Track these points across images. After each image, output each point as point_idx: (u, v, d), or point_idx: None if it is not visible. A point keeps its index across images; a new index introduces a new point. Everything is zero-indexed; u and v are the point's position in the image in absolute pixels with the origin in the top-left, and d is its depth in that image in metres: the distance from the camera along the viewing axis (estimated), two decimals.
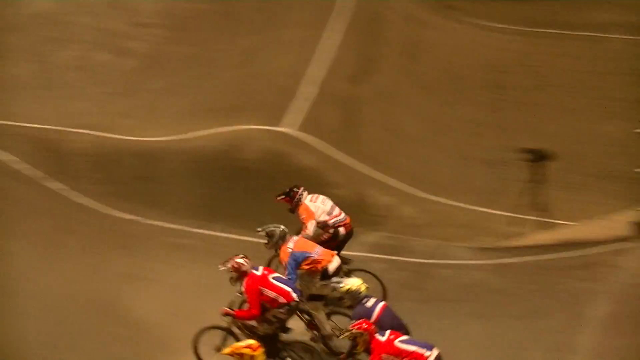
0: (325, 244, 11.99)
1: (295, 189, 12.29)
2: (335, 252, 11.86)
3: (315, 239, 11.97)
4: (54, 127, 15.03)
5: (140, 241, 13.07)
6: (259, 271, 11.16)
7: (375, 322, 10.44)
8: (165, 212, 13.65)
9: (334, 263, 11.74)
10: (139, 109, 15.89)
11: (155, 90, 16.33)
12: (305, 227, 12.04)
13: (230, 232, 13.38)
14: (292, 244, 11.71)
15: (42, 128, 15.02)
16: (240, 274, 11.07)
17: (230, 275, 10.87)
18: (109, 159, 14.40)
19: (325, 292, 11.70)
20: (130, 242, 12.96)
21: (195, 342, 10.51)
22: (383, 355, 10.09)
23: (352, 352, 10.32)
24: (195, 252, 13.01)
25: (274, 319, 11.14)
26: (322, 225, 12.15)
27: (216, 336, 10.57)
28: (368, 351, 10.06)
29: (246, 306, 10.94)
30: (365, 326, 10.07)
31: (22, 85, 16.29)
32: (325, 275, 11.76)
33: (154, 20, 17.66)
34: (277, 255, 11.69)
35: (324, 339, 11.57)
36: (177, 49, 17.10)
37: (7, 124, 14.57)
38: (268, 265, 11.61)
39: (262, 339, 10.98)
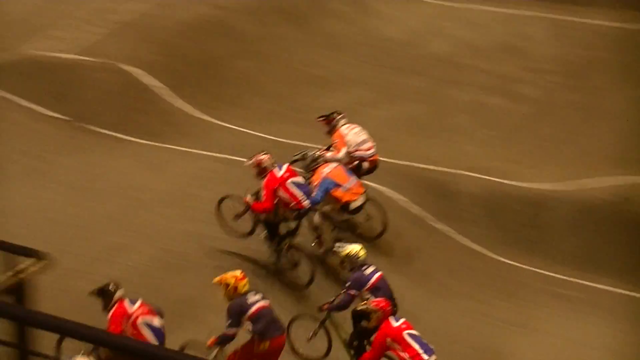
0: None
1: (334, 114, 13.36)
2: (363, 190, 12.62)
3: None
4: (444, 169, 15.51)
5: (522, 288, 13.47)
6: (281, 171, 12.26)
7: (370, 289, 11.11)
8: (548, 261, 13.91)
9: (358, 201, 12.55)
10: (528, 154, 16.06)
11: (545, 137, 16.43)
12: (337, 151, 12.96)
13: (615, 287, 13.38)
14: (328, 169, 12.55)
15: (431, 169, 15.55)
16: (261, 170, 12.22)
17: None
18: (497, 204, 14.66)
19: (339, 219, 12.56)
20: (512, 288, 13.39)
21: None
22: (388, 339, 10.46)
23: (358, 322, 10.84)
24: (576, 304, 13.19)
25: (280, 216, 12.26)
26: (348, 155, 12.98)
27: None
28: (376, 329, 10.51)
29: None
30: (383, 305, 10.64)
31: (417, 125, 17.02)
32: (345, 208, 12.58)
33: (549, 66, 17.78)
34: (310, 176, 12.62)
35: (324, 253, 12.52)
36: (570, 96, 17.09)
37: (396, 163, 15.16)
38: None
39: (267, 224, 12.33)
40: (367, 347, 10.87)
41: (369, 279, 11.28)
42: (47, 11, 18.30)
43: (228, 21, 18.38)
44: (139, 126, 15.47)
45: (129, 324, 10.59)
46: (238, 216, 12.47)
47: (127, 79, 15.98)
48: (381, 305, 10.68)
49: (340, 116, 13.43)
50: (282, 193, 12.25)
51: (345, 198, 12.56)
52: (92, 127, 15.38)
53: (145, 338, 10.43)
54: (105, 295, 10.70)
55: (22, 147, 14.72)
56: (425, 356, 10.42)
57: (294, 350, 11.43)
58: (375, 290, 11.22)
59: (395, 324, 10.52)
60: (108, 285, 10.70)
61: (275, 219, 12.36)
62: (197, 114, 16.24)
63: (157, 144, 15.29)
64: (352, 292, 11.27)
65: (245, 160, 12.49)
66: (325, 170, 12.62)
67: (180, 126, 15.85)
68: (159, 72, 16.44)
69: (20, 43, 17.06)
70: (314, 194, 12.41)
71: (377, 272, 11.38)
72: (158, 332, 10.56)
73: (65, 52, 16.46)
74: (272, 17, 18.76)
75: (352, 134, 13.29)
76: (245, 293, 10.69)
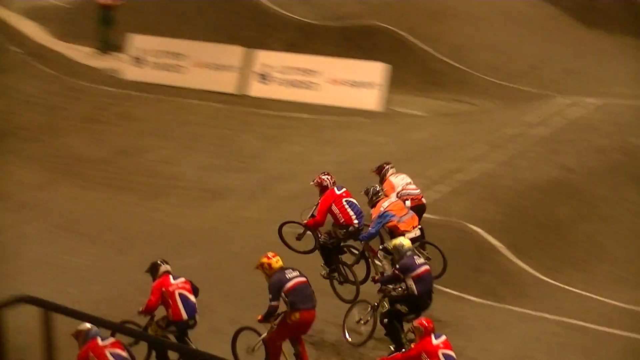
0: None
1: (384, 165, 15.11)
2: (417, 224, 13.95)
3: None
4: None
5: None
6: (339, 191, 14.17)
7: (415, 277, 12.64)
8: None
9: (412, 233, 13.76)
10: None
11: None
12: (387, 197, 14.20)
13: None
14: (387, 204, 13.96)
15: None
16: (322, 188, 14.22)
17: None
18: None
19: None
20: None
21: None
22: (423, 354, 11.40)
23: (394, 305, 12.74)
24: None
25: (332, 234, 14.06)
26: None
27: None
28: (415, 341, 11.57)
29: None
30: (426, 324, 11.59)
31: None
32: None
33: None
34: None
35: (365, 278, 14.04)
36: None
37: None
38: None
39: (322, 248, 14.15)
40: (398, 325, 12.73)
41: (416, 269, 12.78)
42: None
43: (574, 183, 18.52)
44: (478, 285, 15.78)
45: (167, 294, 12.27)
46: (299, 237, 14.32)
47: (468, 237, 16.44)
48: (424, 324, 11.63)
49: (389, 165, 15.14)
50: (335, 209, 14.08)
51: (402, 228, 13.81)
52: None
53: (177, 306, 12.20)
54: (153, 268, 12.57)
55: None
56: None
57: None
58: (419, 280, 12.73)
59: (434, 341, 11.50)
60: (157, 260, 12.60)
61: (329, 241, 14.16)
62: (539, 275, 16.31)
63: (496, 304, 15.47)
64: (398, 273, 12.83)
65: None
66: (385, 204, 14.01)
67: (521, 287, 15.98)
68: (500, 232, 16.78)
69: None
70: (371, 226, 13.97)
71: (425, 265, 12.92)
72: (191, 306, 12.29)
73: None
74: (620, 180, 18.70)
75: (399, 179, 14.91)
76: (282, 268, 12.24)
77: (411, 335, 11.94)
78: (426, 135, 21.79)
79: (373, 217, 14.06)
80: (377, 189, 14.33)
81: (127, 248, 17.52)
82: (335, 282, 14.47)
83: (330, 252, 14.33)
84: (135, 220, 18.82)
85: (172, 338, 12.34)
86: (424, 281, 12.77)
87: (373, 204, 14.20)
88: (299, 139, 22.30)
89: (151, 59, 26.31)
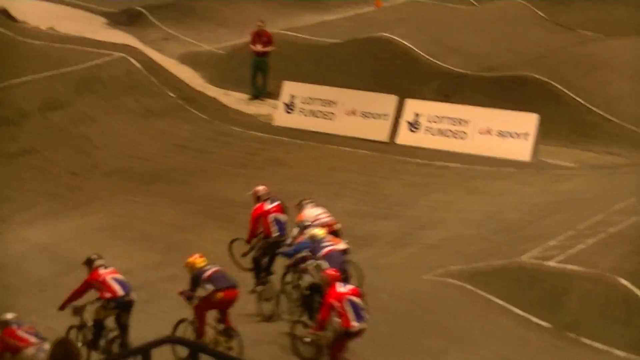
0: None
1: (303, 200, 17.20)
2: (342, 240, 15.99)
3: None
4: None
5: None
6: (270, 205, 16.69)
7: (323, 255, 15.05)
8: None
9: (341, 245, 15.77)
10: None
11: None
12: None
13: None
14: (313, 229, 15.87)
15: None
16: (256, 199, 16.76)
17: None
18: None
19: None
20: None
21: None
22: (332, 301, 13.65)
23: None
24: None
25: (257, 243, 16.63)
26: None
27: None
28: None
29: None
30: (332, 274, 14.14)
31: None
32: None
33: None
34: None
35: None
36: None
37: None
38: None
39: (254, 260, 16.78)
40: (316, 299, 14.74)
41: (323, 249, 15.22)
42: (548, 221, 19.64)
43: None
44: (625, 339, 15.82)
45: (98, 282, 14.83)
46: (245, 254, 16.87)
47: (615, 290, 16.47)
48: (330, 273, 14.12)
49: (307, 201, 17.20)
50: (262, 223, 16.61)
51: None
52: (573, 336, 16.00)
53: (112, 286, 14.76)
54: (88, 262, 15.07)
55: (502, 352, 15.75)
56: (354, 323, 13.55)
57: None
58: (327, 257, 15.09)
59: (340, 289, 13.74)
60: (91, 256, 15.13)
61: (256, 252, 16.67)
62: None
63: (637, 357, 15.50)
64: (306, 253, 15.49)
65: None
66: (311, 231, 15.90)
67: None
68: None
69: (513, 250, 18.38)
70: (292, 247, 16.09)
71: (332, 246, 15.35)
72: (125, 285, 14.96)
73: (556, 261, 17.39)
74: None
75: (312, 211, 16.82)
76: (203, 266, 15.07)
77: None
78: (575, 186, 21.86)
79: (297, 240, 16.32)
80: (305, 226, 16.40)
81: None
82: (261, 297, 16.65)
83: (260, 269, 16.81)
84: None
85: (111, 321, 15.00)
86: (331, 257, 15.12)
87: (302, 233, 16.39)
88: (446, 188, 22.67)
89: (302, 105, 27.21)
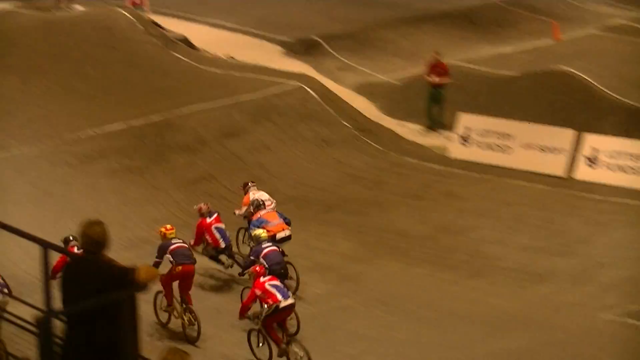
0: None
1: (248, 183, 21.78)
2: (287, 226, 20.11)
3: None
4: None
5: None
6: (210, 218, 19.81)
7: (264, 256, 18.22)
8: None
9: (282, 234, 19.92)
10: None
11: None
12: (240, 209, 21.09)
13: None
14: (263, 212, 20.18)
15: None
16: (200, 215, 19.85)
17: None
18: None
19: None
20: None
21: None
22: (256, 290, 17.01)
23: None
24: None
25: (206, 252, 19.87)
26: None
27: None
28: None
29: None
30: (257, 269, 17.56)
31: None
32: (274, 239, 19.41)
33: None
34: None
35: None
36: None
37: None
38: None
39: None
40: None
41: (263, 250, 18.40)
42: None
43: None
44: None
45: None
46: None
47: None
48: (255, 269, 17.52)
49: (251, 184, 21.60)
50: (207, 236, 19.69)
51: (273, 230, 19.67)
52: None
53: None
54: (65, 242, 17.79)
55: None
56: (280, 298, 16.80)
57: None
58: (266, 257, 18.23)
59: (262, 279, 17.12)
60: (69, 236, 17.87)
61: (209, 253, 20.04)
62: None
63: None
64: (252, 257, 18.54)
65: None
66: (261, 213, 20.13)
67: None
68: None
69: None
70: (250, 228, 19.91)
71: (271, 247, 18.56)
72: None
73: None
74: None
75: (257, 195, 21.04)
76: (172, 238, 18.31)
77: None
78: None
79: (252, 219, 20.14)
80: (260, 203, 20.36)
81: (447, 326, 18.42)
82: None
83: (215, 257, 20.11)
84: (454, 299, 19.63)
85: None
86: (270, 257, 18.24)
87: (252, 212, 20.29)
88: (626, 225, 22.49)
89: (478, 138, 27.43)
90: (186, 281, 18.30)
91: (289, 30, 36.80)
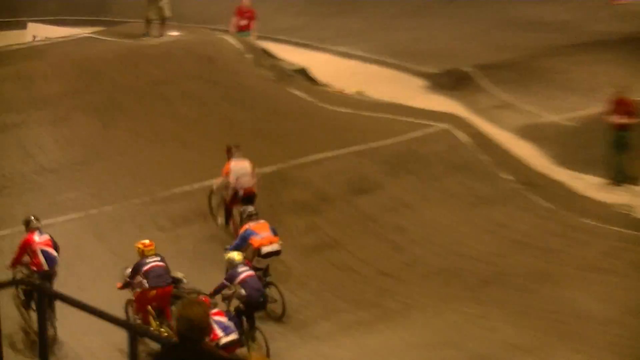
0: (231, 201, 23.68)
1: (232, 147, 23.89)
2: (277, 239, 21.68)
3: (222, 192, 23.89)
4: None
5: None
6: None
7: (240, 282, 19.86)
8: None
9: (269, 248, 21.44)
10: None
11: None
12: (218, 178, 23.67)
13: None
14: (253, 224, 21.68)
15: None
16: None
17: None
18: None
19: (258, 265, 21.34)
20: None
21: None
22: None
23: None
24: None
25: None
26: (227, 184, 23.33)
27: None
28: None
29: None
30: (205, 300, 17.91)
31: None
32: (259, 253, 21.32)
33: None
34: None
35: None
36: None
37: None
38: None
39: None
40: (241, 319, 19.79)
41: (239, 275, 19.78)
42: None
43: None
44: None
45: (31, 250, 20.03)
46: None
47: None
48: (203, 299, 17.89)
49: (236, 149, 23.63)
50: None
51: (262, 243, 21.23)
52: None
53: (39, 259, 19.91)
54: (26, 223, 20.32)
55: None
56: (221, 334, 18.45)
57: None
58: (243, 284, 19.68)
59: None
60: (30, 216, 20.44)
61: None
62: None
63: None
64: (226, 282, 19.91)
65: None
66: (251, 224, 21.54)
67: None
68: None
69: None
70: (236, 240, 21.60)
71: (247, 272, 19.95)
72: (52, 259, 20.11)
73: None
74: None
75: (238, 167, 23.34)
76: (149, 256, 19.80)
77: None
78: None
79: (240, 231, 21.78)
80: (250, 214, 21.87)
81: None
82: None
83: None
84: None
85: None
86: (248, 284, 19.73)
87: (241, 222, 21.96)
88: None
89: None
90: (163, 302, 19.90)
91: (433, 60, 36.67)
